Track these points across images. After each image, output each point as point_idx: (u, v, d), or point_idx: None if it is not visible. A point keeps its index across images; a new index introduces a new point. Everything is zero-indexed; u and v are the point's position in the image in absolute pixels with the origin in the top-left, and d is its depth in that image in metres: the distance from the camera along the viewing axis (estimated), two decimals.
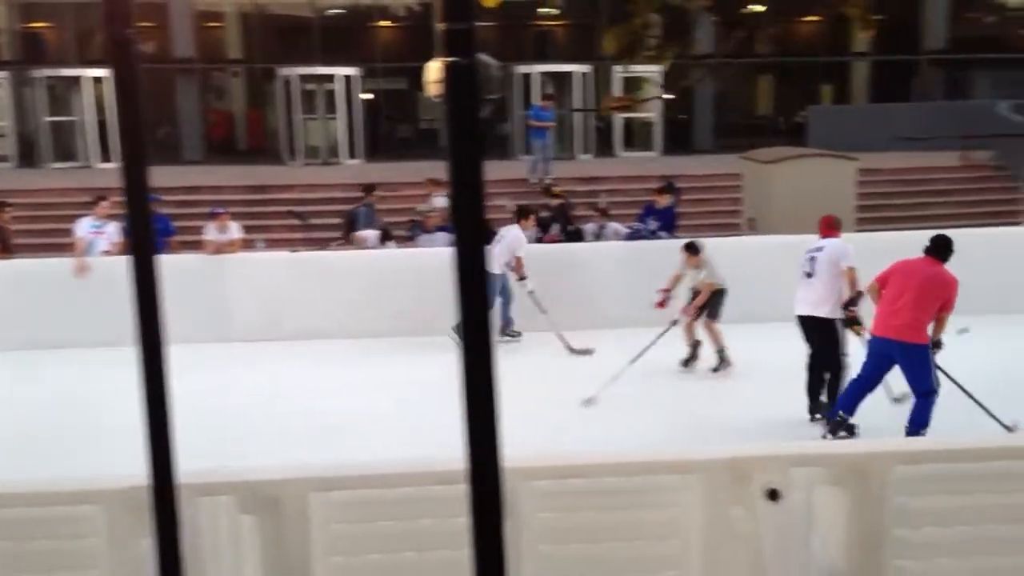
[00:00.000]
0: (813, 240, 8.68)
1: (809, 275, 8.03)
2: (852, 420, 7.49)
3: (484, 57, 2.13)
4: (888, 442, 4.50)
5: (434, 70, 2.17)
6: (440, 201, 13.84)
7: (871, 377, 7.54)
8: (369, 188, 13.79)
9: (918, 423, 7.33)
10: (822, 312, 7.97)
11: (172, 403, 2.21)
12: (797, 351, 8.67)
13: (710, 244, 11.59)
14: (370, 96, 26.22)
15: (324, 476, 4.21)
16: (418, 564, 4.23)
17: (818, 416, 7.99)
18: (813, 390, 8.07)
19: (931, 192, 18.28)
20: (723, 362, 9.48)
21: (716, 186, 18.22)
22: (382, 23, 27.63)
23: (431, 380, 8.23)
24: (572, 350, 10.05)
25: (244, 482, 4.18)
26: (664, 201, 12.30)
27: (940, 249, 7.65)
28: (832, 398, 7.92)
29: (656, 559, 4.49)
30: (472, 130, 2.03)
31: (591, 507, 4.38)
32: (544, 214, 13.08)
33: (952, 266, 10.05)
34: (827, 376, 7.99)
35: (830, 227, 8.42)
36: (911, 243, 11.15)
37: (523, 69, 24.78)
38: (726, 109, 27.96)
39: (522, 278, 10.29)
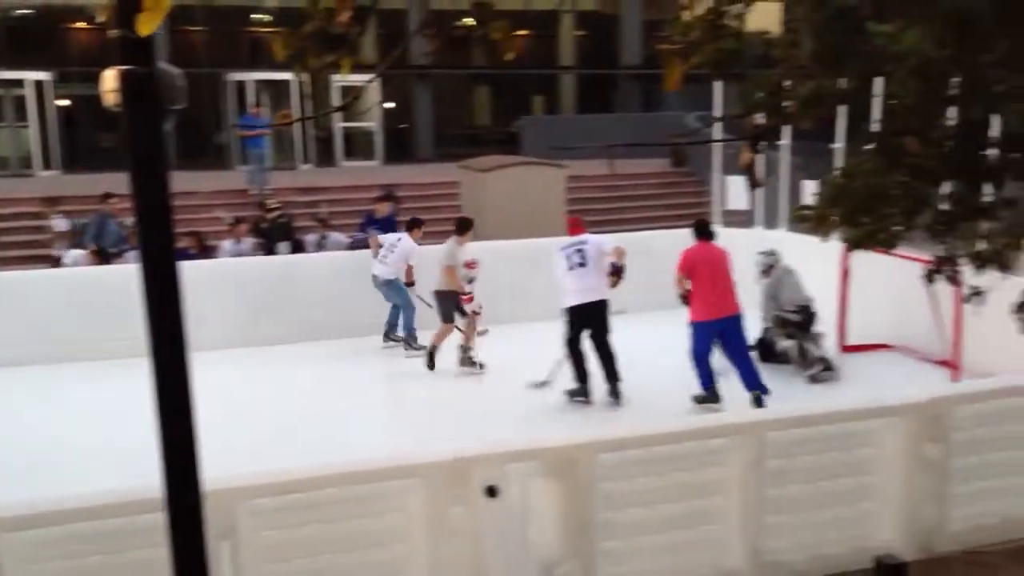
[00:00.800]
0: (538, 242, 9.38)
1: (582, 265, 8.54)
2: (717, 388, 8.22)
3: (165, 65, 2.06)
4: (594, 432, 4.81)
5: (110, 78, 2.07)
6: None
7: (708, 349, 8.26)
8: (104, 197, 12.60)
9: (760, 385, 8.12)
10: (601, 295, 8.54)
11: None
12: (531, 350, 9.09)
13: (433, 250, 11.84)
14: (66, 103, 24.31)
15: (14, 516, 3.88)
16: None
17: (575, 393, 8.53)
18: (580, 370, 8.54)
19: (631, 196, 19.69)
20: (470, 362, 9.65)
21: (436, 194, 18.57)
22: (78, 24, 25.70)
23: (135, 404, 7.80)
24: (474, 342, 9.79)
25: None
26: (384, 210, 12.37)
27: (708, 232, 8.65)
28: (612, 375, 8.43)
29: (380, 566, 4.53)
30: (154, 140, 1.97)
31: (314, 520, 4.35)
32: (264, 225, 12.72)
33: (647, 263, 10.99)
34: (601, 357, 8.44)
35: (579, 225, 9.16)
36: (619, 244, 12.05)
37: (237, 76, 24.01)
38: (445, 119, 28.58)
39: (410, 284, 10.45)
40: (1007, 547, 5.34)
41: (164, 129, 2.12)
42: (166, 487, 2.15)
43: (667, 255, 11.60)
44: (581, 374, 8.52)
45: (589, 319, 8.47)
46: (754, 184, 3.96)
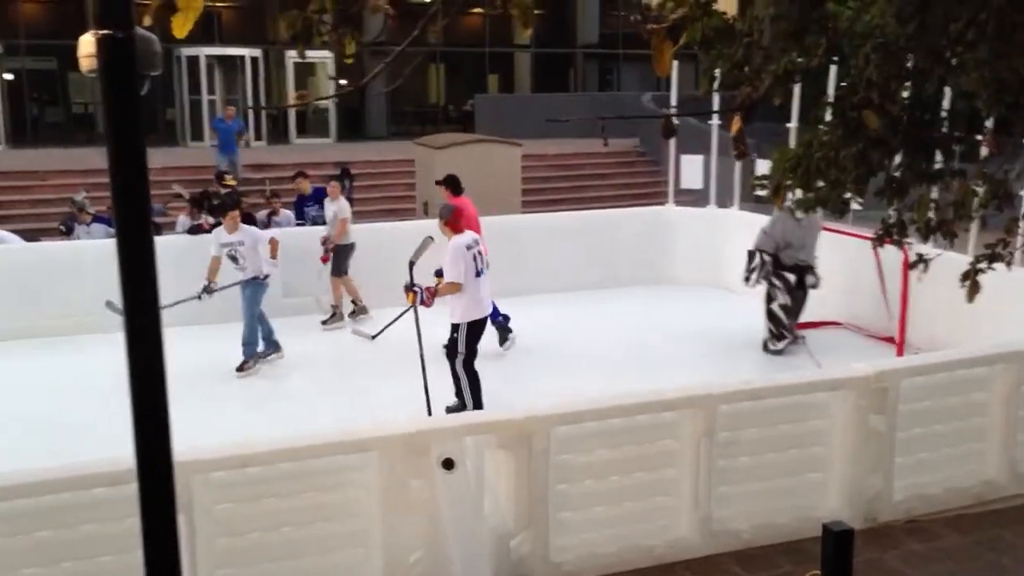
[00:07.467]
0: (492, 220, 10.02)
1: (486, 270, 7.62)
2: None
3: (143, 31, 2.06)
4: (549, 405, 4.85)
5: (87, 43, 2.06)
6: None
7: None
8: None
9: None
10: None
11: None
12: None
13: (387, 228, 11.80)
14: (11, 76, 23.75)
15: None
16: (81, 574, 3.98)
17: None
18: (477, 395, 7.41)
19: (586, 176, 19.80)
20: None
21: (390, 172, 18.52)
22: None
23: (92, 380, 7.72)
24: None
25: None
26: (305, 187, 12.17)
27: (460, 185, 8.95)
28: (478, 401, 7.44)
29: (338, 539, 4.55)
30: (131, 106, 1.95)
31: (270, 494, 4.35)
32: (214, 201, 12.49)
33: (603, 242, 11.49)
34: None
35: (475, 220, 8.37)
36: (571, 222, 12.15)
37: (188, 51, 23.60)
38: (399, 97, 28.41)
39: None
40: (946, 516, 5.50)
41: (140, 95, 2.11)
42: (138, 460, 2.15)
43: (624, 233, 11.91)
44: (478, 399, 7.36)
45: (481, 334, 7.60)
46: (741, 154, 4.05)
